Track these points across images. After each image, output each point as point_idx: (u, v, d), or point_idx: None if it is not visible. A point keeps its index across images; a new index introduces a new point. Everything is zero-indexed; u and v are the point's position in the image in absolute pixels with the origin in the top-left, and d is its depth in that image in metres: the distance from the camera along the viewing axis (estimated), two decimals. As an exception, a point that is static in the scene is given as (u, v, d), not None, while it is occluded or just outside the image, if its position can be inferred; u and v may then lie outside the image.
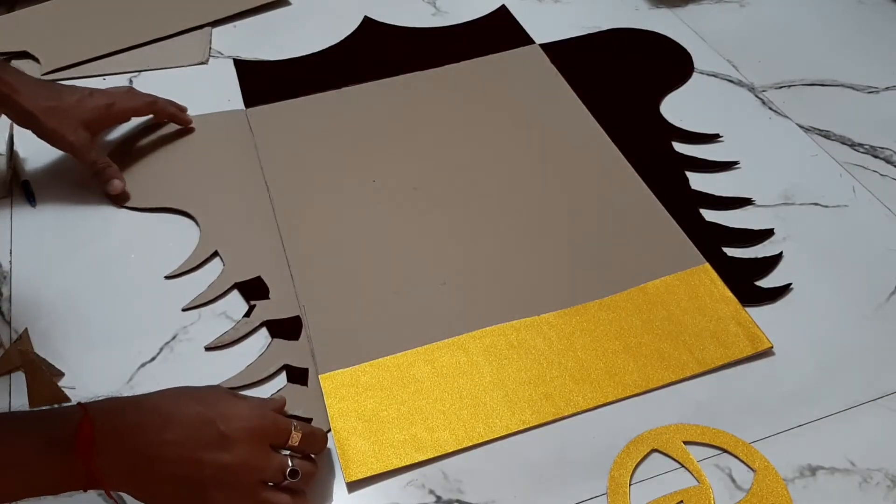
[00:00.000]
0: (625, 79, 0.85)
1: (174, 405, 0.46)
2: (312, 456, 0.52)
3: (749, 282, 0.64)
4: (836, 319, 0.62)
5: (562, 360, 0.59)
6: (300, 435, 0.49)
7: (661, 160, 0.75)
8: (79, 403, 0.45)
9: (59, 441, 0.42)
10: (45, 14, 0.95)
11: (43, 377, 0.57)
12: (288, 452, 0.49)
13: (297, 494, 0.49)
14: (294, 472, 0.48)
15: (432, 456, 0.54)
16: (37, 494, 0.44)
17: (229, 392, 0.50)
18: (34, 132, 0.70)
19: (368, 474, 0.53)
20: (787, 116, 0.80)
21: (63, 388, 0.57)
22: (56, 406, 0.44)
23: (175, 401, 0.46)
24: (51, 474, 0.43)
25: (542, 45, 0.89)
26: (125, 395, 0.58)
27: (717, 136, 0.78)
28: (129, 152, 0.77)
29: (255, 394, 0.58)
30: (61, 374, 0.59)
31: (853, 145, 0.77)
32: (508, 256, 0.67)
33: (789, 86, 0.84)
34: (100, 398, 0.57)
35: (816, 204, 0.71)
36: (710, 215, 0.70)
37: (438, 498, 0.52)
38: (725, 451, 0.54)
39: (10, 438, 0.42)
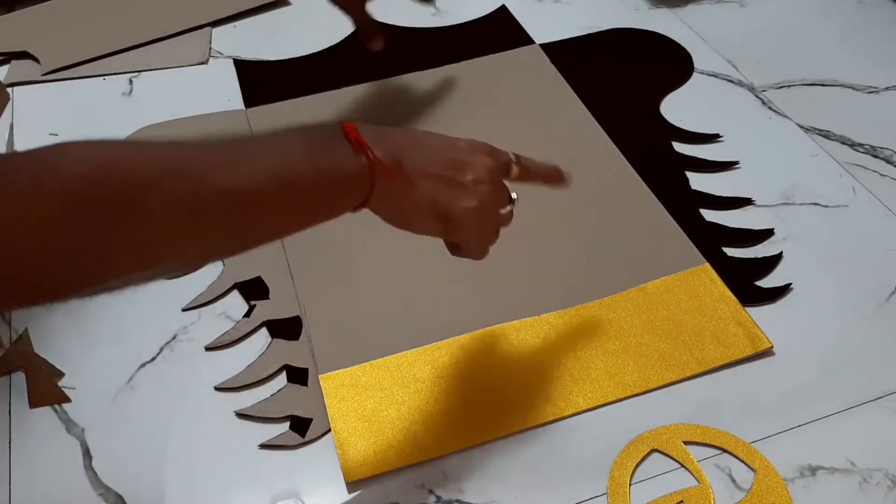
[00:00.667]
0: (625, 79, 0.85)
1: (426, 135, 0.49)
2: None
3: (749, 282, 0.64)
4: (835, 319, 0.62)
5: (562, 360, 0.59)
6: (518, 171, 0.53)
7: (661, 160, 0.75)
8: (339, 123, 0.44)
9: (332, 137, 0.43)
10: (45, 14, 0.95)
11: (43, 377, 0.57)
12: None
13: (510, 215, 0.54)
14: (515, 200, 0.53)
15: (432, 456, 0.54)
16: (334, 207, 0.45)
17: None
18: None
19: (368, 474, 0.53)
20: (787, 116, 0.80)
21: (63, 388, 0.57)
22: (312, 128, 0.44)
23: (424, 134, 0.49)
24: (332, 163, 0.42)
25: (542, 45, 0.89)
26: (125, 395, 0.58)
27: (717, 136, 0.78)
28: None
29: (255, 394, 0.58)
30: (61, 374, 0.59)
31: (853, 145, 0.77)
32: (508, 256, 0.67)
33: (789, 86, 0.84)
34: (99, 400, 0.58)
35: (816, 204, 0.71)
36: (710, 215, 0.70)
37: (438, 498, 0.52)
38: (725, 451, 0.54)
39: (285, 137, 0.42)
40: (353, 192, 0.44)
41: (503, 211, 0.52)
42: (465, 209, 0.48)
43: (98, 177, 0.34)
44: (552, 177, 0.56)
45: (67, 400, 0.57)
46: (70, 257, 0.34)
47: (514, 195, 0.53)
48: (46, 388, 0.57)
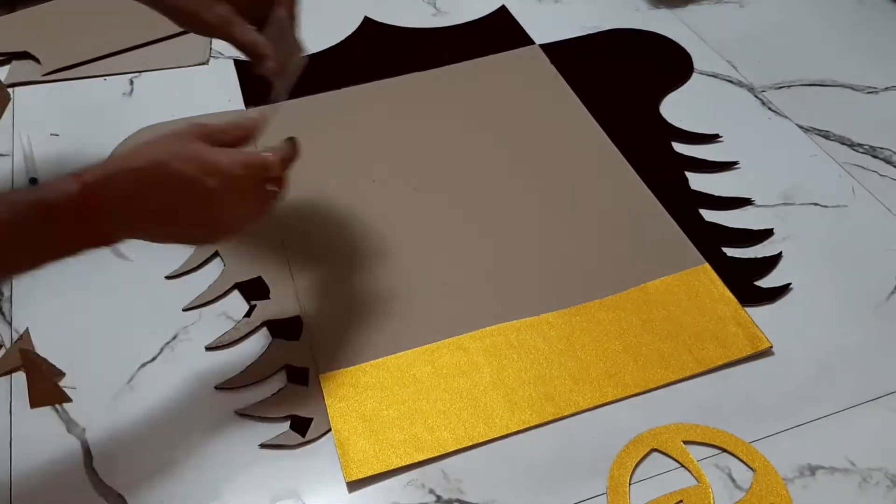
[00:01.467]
0: (625, 79, 0.85)
1: (160, 169, 0.48)
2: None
3: (749, 282, 0.64)
4: (835, 319, 0.62)
5: (562, 360, 0.59)
6: (277, 160, 0.52)
7: (661, 160, 0.75)
8: (73, 175, 0.47)
9: (61, 211, 0.46)
10: (45, 14, 0.95)
11: (43, 377, 0.57)
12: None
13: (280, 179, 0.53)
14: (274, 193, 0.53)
15: (432, 456, 0.54)
16: (41, 263, 0.48)
17: (199, 140, 0.51)
18: (182, 25, 0.63)
19: (369, 474, 0.53)
20: (786, 117, 0.80)
21: (63, 388, 0.57)
22: (53, 181, 0.47)
23: (156, 163, 0.48)
24: (56, 240, 0.47)
25: (542, 46, 0.89)
26: (125, 395, 0.58)
27: (717, 136, 0.78)
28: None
29: (255, 394, 0.58)
30: (62, 374, 0.59)
31: (853, 145, 0.77)
32: (508, 256, 0.67)
33: (789, 86, 0.84)
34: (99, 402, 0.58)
35: (816, 204, 0.71)
36: (709, 215, 0.70)
37: (438, 498, 0.52)
38: (725, 450, 0.54)
39: (9, 211, 0.45)
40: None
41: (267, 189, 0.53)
42: (216, 238, 0.52)
43: None
44: (292, 153, 0.55)
45: (68, 400, 0.57)
46: None
47: (270, 156, 0.52)
48: (46, 388, 0.57)
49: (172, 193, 0.48)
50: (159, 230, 0.50)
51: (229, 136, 0.52)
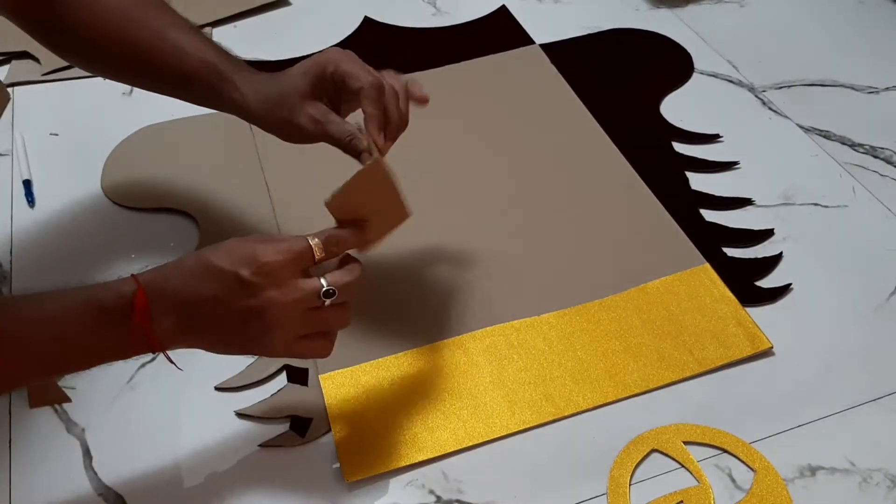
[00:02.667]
0: (625, 79, 0.85)
1: (206, 266, 0.46)
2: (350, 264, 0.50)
3: (749, 282, 0.64)
4: (836, 319, 0.62)
5: (562, 360, 0.59)
6: (319, 243, 0.48)
7: (661, 160, 0.75)
8: (131, 276, 0.46)
9: (116, 312, 0.45)
10: (46, 14, 0.95)
11: (43, 377, 0.57)
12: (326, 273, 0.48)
13: (343, 307, 0.49)
14: (328, 293, 0.47)
15: (432, 456, 0.54)
16: (96, 363, 0.47)
17: (247, 239, 0.48)
18: (271, 131, 0.59)
19: (369, 474, 0.53)
20: (787, 116, 0.80)
21: (63, 388, 0.57)
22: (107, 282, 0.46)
23: (205, 262, 0.47)
24: (109, 344, 0.46)
25: (542, 45, 0.89)
26: (125, 395, 0.58)
27: (717, 136, 0.78)
28: (131, 152, 0.77)
29: (255, 394, 0.58)
30: (61, 374, 0.59)
31: (853, 145, 0.77)
32: (508, 256, 0.67)
33: (789, 86, 0.84)
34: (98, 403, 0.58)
35: (816, 204, 0.71)
36: (710, 215, 0.70)
37: (438, 498, 0.52)
38: (725, 451, 0.54)
39: (65, 314, 0.45)
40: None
41: (317, 304, 0.48)
42: (263, 349, 0.49)
43: None
44: (359, 241, 0.51)
45: (67, 400, 0.57)
46: None
47: (324, 286, 0.47)
48: (46, 388, 0.57)
49: (208, 286, 0.46)
50: (205, 331, 0.48)
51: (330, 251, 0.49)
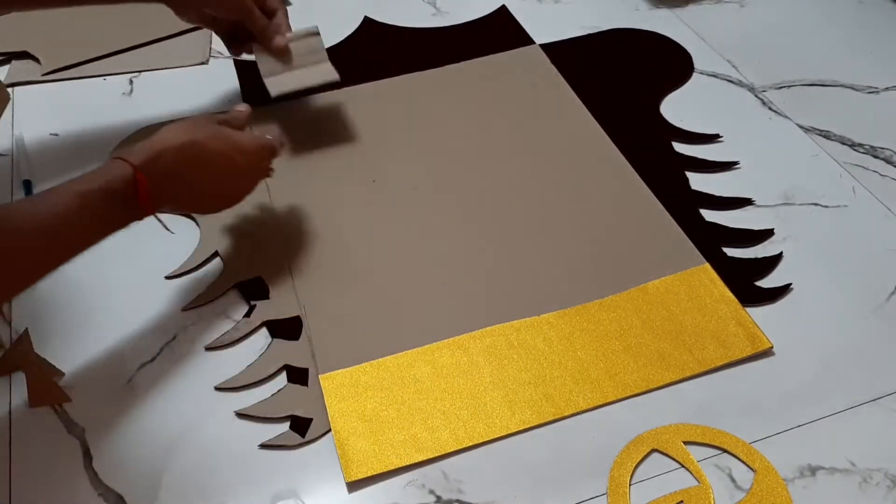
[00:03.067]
0: (625, 79, 0.85)
1: (196, 147, 0.57)
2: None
3: (749, 282, 0.64)
4: (836, 319, 0.62)
5: (562, 360, 0.59)
6: (279, 145, 0.65)
7: (661, 160, 0.75)
8: (120, 159, 0.54)
9: (123, 196, 0.53)
10: (45, 14, 0.95)
11: (43, 377, 0.57)
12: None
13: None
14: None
15: (432, 456, 0.54)
16: (102, 237, 0.54)
17: (219, 125, 0.60)
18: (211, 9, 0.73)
19: (368, 474, 0.53)
20: (787, 116, 0.80)
21: (63, 388, 0.57)
22: (103, 167, 0.54)
23: (193, 142, 0.57)
24: (116, 219, 0.54)
25: (542, 45, 0.89)
26: (125, 395, 0.58)
27: (717, 136, 0.78)
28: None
29: (255, 394, 0.58)
30: (61, 374, 0.59)
31: (853, 145, 0.77)
32: (508, 256, 0.67)
33: (789, 86, 0.84)
34: (98, 401, 0.58)
35: (816, 204, 0.71)
36: (710, 215, 0.70)
37: (438, 498, 0.52)
38: (725, 451, 0.54)
39: (78, 199, 0.52)
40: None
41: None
42: (228, 206, 0.62)
43: None
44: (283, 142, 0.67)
45: (68, 400, 0.57)
46: None
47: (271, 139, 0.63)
48: (46, 388, 0.57)
49: (207, 167, 0.57)
50: (191, 200, 0.59)
51: (233, 124, 0.62)
